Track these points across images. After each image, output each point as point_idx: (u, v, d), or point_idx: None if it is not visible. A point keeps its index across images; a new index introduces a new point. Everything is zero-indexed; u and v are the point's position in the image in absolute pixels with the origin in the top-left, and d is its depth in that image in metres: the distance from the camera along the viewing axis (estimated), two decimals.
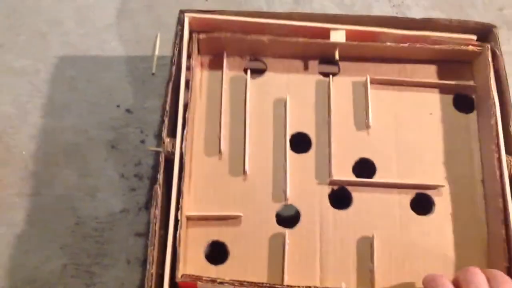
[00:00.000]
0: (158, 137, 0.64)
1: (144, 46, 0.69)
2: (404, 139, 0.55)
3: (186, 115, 0.52)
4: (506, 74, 0.55)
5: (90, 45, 0.69)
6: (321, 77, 0.57)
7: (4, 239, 0.61)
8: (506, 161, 0.53)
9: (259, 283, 0.48)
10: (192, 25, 0.58)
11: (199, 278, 0.48)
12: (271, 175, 0.54)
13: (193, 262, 0.51)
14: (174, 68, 0.57)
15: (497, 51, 0.56)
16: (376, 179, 0.54)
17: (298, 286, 0.48)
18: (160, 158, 0.53)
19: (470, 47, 0.56)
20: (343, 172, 0.54)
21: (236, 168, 0.54)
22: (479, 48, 0.56)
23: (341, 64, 0.58)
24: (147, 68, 0.68)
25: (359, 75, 0.57)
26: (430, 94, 0.57)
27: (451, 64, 0.58)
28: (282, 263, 0.50)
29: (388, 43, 0.56)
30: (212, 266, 0.51)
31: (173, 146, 0.53)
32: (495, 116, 0.54)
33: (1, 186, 0.63)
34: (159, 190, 0.51)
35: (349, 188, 0.54)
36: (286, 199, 0.53)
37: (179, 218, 0.49)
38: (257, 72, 0.58)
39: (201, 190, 0.53)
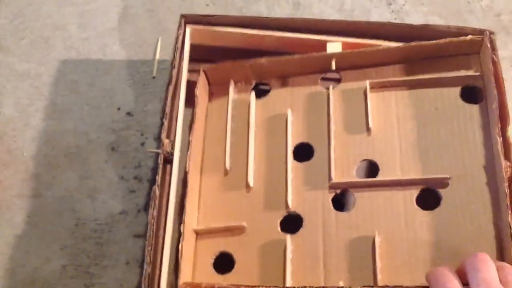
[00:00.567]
0: (158, 139, 0.64)
1: (145, 50, 0.70)
2: (408, 138, 0.55)
3: (189, 137, 0.55)
4: (503, 79, 0.56)
5: (92, 49, 0.70)
6: (321, 88, 0.59)
7: (4, 240, 0.62)
8: (504, 166, 0.53)
9: (258, 285, 0.49)
10: (194, 37, 0.60)
11: (198, 285, 0.49)
12: (274, 185, 0.55)
13: (202, 272, 0.53)
14: (174, 71, 0.58)
15: (494, 57, 0.56)
16: (379, 178, 0.54)
17: (294, 287, 0.49)
18: (159, 160, 0.53)
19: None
20: (346, 176, 0.54)
21: (240, 183, 0.56)
22: (478, 36, 0.56)
23: (342, 72, 0.58)
24: (148, 71, 0.69)
25: (361, 81, 0.58)
26: (435, 90, 0.57)
27: (453, 58, 0.58)
28: (283, 268, 0.51)
29: (382, 47, 0.57)
30: (220, 276, 0.52)
31: (172, 147, 0.54)
32: (496, 101, 0.53)
33: (2, 188, 0.63)
34: (157, 191, 0.52)
35: (352, 190, 0.54)
36: (288, 206, 0.54)
37: (181, 230, 0.51)
38: (264, 92, 0.61)
39: (209, 205, 0.56)
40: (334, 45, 0.58)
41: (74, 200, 0.63)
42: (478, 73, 0.57)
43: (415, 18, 0.71)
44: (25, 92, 0.68)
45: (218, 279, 0.52)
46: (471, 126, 0.55)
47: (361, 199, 0.53)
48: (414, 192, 0.53)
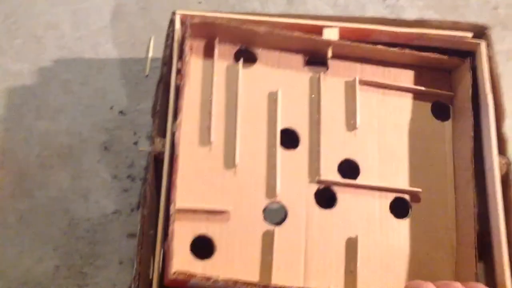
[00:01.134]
0: (151, 138, 0.64)
1: (138, 49, 0.70)
2: (387, 143, 0.56)
3: (178, 102, 0.51)
4: (498, 75, 0.55)
5: (85, 48, 0.70)
6: (312, 73, 0.57)
7: None
8: (499, 161, 0.53)
9: (253, 282, 0.48)
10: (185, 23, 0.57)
11: (192, 275, 0.47)
12: (261, 170, 0.53)
13: (179, 256, 0.49)
14: (165, 68, 0.57)
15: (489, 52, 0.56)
16: (359, 180, 0.54)
17: (291, 286, 0.48)
18: (150, 158, 0.53)
19: (466, 42, 0.56)
20: (329, 171, 0.54)
21: (226, 160, 0.53)
22: (460, 59, 0.57)
23: (331, 62, 0.57)
24: (140, 70, 0.69)
25: (348, 75, 0.57)
26: (410, 100, 0.57)
27: (432, 72, 0.58)
28: (270, 260, 0.50)
29: (379, 46, 0.56)
30: (199, 261, 0.50)
31: (163, 146, 0.53)
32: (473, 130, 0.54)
33: None
34: (148, 189, 0.51)
35: (334, 188, 0.53)
36: (275, 195, 0.52)
37: (171, 212, 0.48)
38: (247, 61, 0.57)
39: (190, 181, 0.52)
40: (332, 31, 0.56)
41: (67, 200, 0.63)
42: (450, 92, 0.58)
43: (411, 13, 0.71)
44: (17, 92, 0.67)
45: (197, 264, 0.50)
46: (442, 144, 0.56)
47: (342, 199, 0.53)
48: (388, 199, 0.54)
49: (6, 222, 0.62)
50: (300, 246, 0.51)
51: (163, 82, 0.56)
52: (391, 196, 0.54)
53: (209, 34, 0.56)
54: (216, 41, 0.56)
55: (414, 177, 0.55)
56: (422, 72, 0.58)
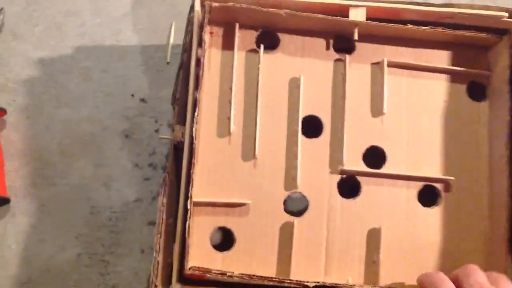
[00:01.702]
0: (171, 126, 0.63)
1: (159, 35, 0.69)
2: (416, 128, 0.53)
3: (197, 95, 0.50)
4: None
5: (105, 35, 0.69)
6: (337, 57, 0.55)
7: (19, 228, 0.61)
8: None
9: (268, 277, 0.47)
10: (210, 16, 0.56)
11: (208, 270, 0.47)
12: (282, 161, 0.52)
13: (199, 248, 0.50)
14: (185, 55, 0.56)
15: None
16: (385, 169, 0.52)
17: (307, 282, 0.47)
18: (170, 146, 0.52)
19: (502, 20, 0.53)
20: (354, 160, 0.52)
21: (246, 152, 0.52)
22: (498, 37, 0.54)
23: (357, 45, 0.55)
24: (162, 57, 0.68)
25: (376, 57, 0.55)
26: (444, 82, 0.55)
27: (467, 51, 0.56)
28: (289, 252, 0.49)
29: (409, 26, 0.54)
30: (218, 253, 0.50)
31: (183, 135, 0.52)
32: (510, 114, 0.51)
33: (16, 176, 0.63)
34: (167, 178, 0.50)
35: (359, 177, 0.52)
36: (296, 186, 0.51)
37: (188, 207, 0.48)
38: (268, 47, 0.55)
39: (209, 174, 0.51)
40: (358, 11, 0.53)
41: (88, 188, 0.63)
42: (487, 71, 0.55)
43: None
44: (38, 79, 0.67)
45: (217, 257, 0.50)
46: (476, 128, 0.54)
47: (366, 188, 0.52)
48: (416, 188, 0.52)
49: (28, 210, 0.62)
50: (321, 238, 0.50)
51: (183, 69, 0.56)
52: (420, 185, 0.52)
53: (229, 18, 0.54)
54: (237, 26, 0.54)
55: (446, 164, 0.53)
56: (456, 51, 0.55)
